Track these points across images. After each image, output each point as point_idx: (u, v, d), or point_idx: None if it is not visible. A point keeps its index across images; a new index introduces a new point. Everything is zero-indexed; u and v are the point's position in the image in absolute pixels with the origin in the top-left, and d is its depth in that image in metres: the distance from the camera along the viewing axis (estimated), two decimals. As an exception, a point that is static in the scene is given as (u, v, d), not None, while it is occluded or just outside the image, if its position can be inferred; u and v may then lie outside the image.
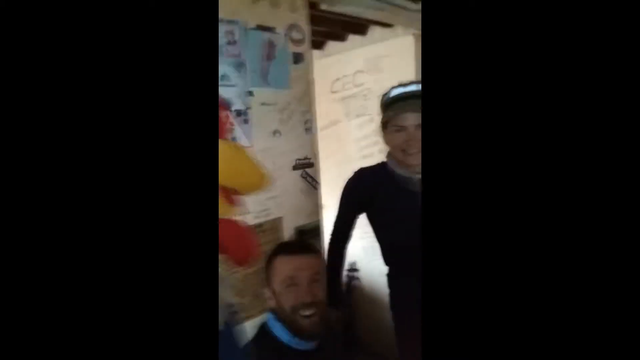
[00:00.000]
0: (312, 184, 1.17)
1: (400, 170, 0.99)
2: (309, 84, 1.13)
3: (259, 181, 0.58)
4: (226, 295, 0.59)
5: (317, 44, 1.96)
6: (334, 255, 1.07)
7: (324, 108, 1.93)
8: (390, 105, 0.96)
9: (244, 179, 0.56)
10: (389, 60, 1.63)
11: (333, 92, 1.88)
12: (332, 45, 1.91)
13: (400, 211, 0.99)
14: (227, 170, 0.51)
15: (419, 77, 1.57)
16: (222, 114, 0.63)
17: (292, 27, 1.06)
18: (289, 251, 0.87)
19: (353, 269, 1.90)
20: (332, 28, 1.74)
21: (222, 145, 0.51)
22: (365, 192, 1.02)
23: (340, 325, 1.18)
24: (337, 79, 1.85)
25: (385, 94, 0.99)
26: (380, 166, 1.03)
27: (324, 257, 1.07)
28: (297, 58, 1.08)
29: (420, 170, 0.99)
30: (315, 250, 0.93)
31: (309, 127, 1.13)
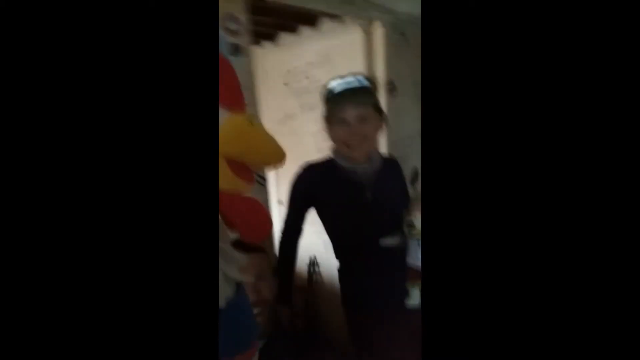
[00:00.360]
0: (259, 180, 1.14)
1: (345, 164, 0.98)
2: (250, 77, 1.09)
3: (275, 157, 0.55)
4: (232, 273, 0.57)
5: (269, 36, 1.91)
6: (285, 251, 1.05)
7: (278, 102, 1.89)
8: (331, 99, 0.95)
9: (259, 154, 0.53)
10: (339, 52, 1.61)
11: (285, 84, 1.84)
12: (283, 36, 1.87)
13: (347, 204, 0.98)
14: (244, 146, 0.49)
15: (369, 70, 1.56)
16: (238, 87, 0.56)
17: (228, 17, 1.01)
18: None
19: (313, 263, 1.89)
20: (282, 19, 1.70)
21: (239, 120, 0.49)
22: (312, 186, 1.00)
23: (292, 322, 1.16)
24: (289, 71, 1.82)
25: (326, 87, 0.98)
26: (327, 160, 1.02)
27: (272, 255, 1.04)
28: (235, 50, 1.03)
29: (363, 163, 0.99)
30: (261, 249, 0.91)
31: (252, 121, 1.10)
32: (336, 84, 0.95)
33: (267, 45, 1.92)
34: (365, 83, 0.95)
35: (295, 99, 1.84)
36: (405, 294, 0.89)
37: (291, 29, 1.81)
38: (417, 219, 0.83)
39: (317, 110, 1.74)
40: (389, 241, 0.92)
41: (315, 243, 1.51)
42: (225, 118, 0.49)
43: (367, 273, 0.99)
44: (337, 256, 1.06)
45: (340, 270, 1.07)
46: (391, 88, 1.60)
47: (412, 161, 1.76)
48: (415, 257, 0.85)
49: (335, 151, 1.01)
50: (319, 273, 1.89)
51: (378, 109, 0.97)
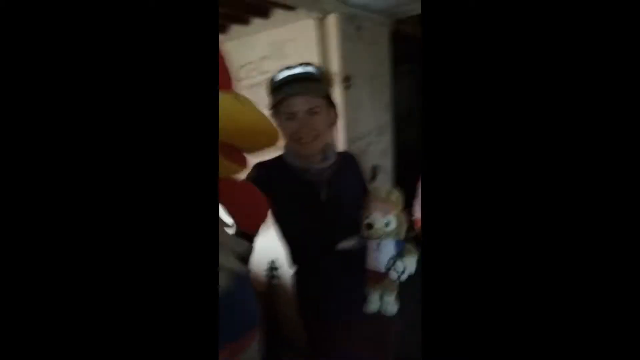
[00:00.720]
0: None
1: (297, 162, 0.91)
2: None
3: (269, 138, 0.51)
4: (229, 263, 0.53)
5: (220, 28, 1.80)
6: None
7: (231, 98, 1.79)
8: (277, 91, 0.86)
9: (252, 136, 0.49)
10: (292, 45, 1.54)
11: (238, 80, 1.74)
12: (235, 29, 1.77)
13: (299, 206, 0.91)
14: (233, 127, 0.46)
15: (324, 64, 1.50)
16: (226, 65, 0.53)
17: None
18: None
19: (273, 267, 1.81)
20: (234, 10, 1.59)
21: (227, 99, 0.46)
22: (263, 187, 0.92)
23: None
24: (242, 66, 1.72)
25: (271, 78, 0.89)
26: (277, 159, 0.94)
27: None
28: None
29: (317, 160, 0.92)
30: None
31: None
32: (282, 74, 0.86)
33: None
34: (314, 71, 0.87)
35: (249, 95, 1.74)
36: (364, 299, 0.84)
37: (242, 20, 1.70)
38: (375, 218, 0.77)
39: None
40: (347, 244, 0.86)
41: (275, 247, 1.44)
42: None
43: (324, 278, 0.93)
44: (292, 261, 0.99)
45: (295, 277, 1.00)
46: (347, 84, 1.55)
47: (370, 159, 1.74)
48: (374, 260, 0.80)
49: (286, 149, 0.93)
50: (279, 277, 1.81)
51: (329, 101, 0.90)
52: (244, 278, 0.61)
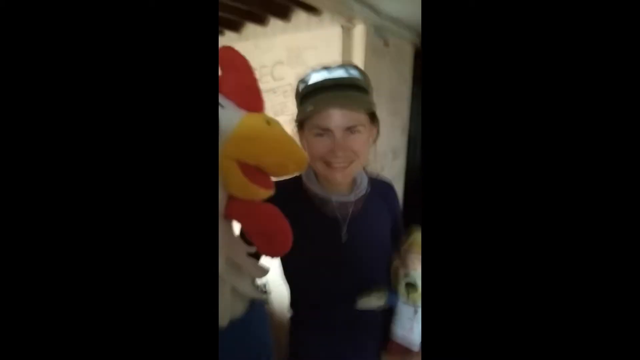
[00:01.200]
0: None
1: (316, 188, 0.73)
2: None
3: (293, 161, 0.51)
4: (245, 288, 0.52)
5: (233, 25, 1.67)
6: None
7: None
8: (309, 97, 0.67)
9: (276, 158, 0.50)
10: (312, 52, 1.41)
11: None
12: (251, 28, 1.63)
13: (312, 244, 0.73)
14: (256, 148, 0.48)
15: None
16: (258, 87, 0.53)
17: None
18: None
19: (264, 291, 1.64)
20: (251, 7, 1.47)
21: (251, 119, 0.48)
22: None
23: None
24: (254, 70, 1.58)
25: (302, 79, 0.70)
26: (294, 180, 0.77)
27: None
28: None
29: (344, 190, 0.73)
30: None
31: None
32: (317, 76, 0.67)
33: (230, 35, 1.67)
34: (359, 77, 0.69)
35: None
36: None
37: (260, 19, 1.58)
38: (418, 273, 0.61)
39: (283, 117, 1.52)
40: (371, 303, 0.68)
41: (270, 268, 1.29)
42: (239, 118, 0.47)
43: (327, 337, 0.74)
44: (292, 305, 0.82)
45: (292, 321, 0.82)
46: (368, 100, 1.43)
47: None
48: (407, 331, 0.63)
49: (308, 169, 0.74)
50: (268, 302, 1.65)
51: (373, 117, 0.72)
52: (259, 305, 0.58)
